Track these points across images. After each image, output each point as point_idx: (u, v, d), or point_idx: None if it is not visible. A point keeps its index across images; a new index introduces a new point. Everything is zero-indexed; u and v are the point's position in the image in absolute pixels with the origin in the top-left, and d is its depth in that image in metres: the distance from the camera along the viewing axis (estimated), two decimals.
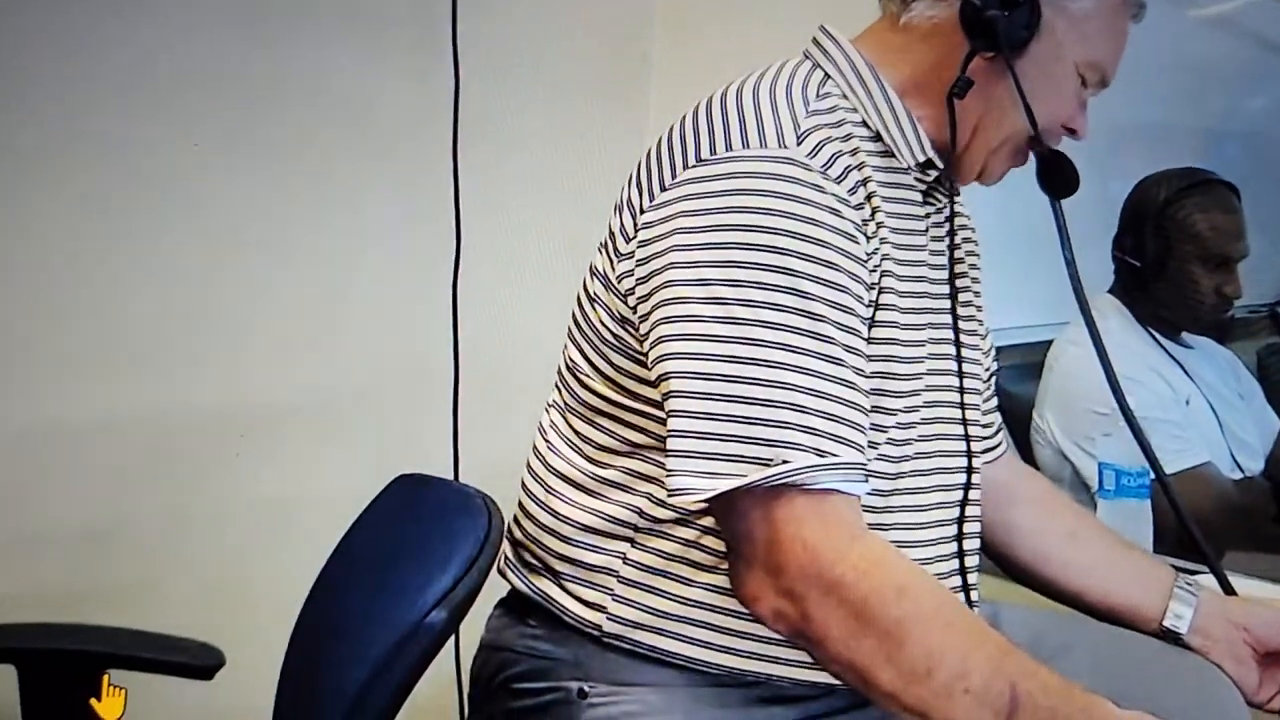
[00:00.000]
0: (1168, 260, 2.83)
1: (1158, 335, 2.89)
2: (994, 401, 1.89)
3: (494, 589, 1.67)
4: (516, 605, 1.66)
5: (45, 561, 2.31)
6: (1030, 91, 1.54)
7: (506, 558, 1.69)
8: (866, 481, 1.44)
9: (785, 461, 1.37)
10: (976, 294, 1.77)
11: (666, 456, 1.43)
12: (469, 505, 1.65)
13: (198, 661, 1.90)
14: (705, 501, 1.43)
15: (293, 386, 2.61)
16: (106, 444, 2.37)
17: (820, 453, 1.38)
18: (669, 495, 1.43)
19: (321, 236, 2.63)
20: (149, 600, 2.36)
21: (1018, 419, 2.82)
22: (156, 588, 2.41)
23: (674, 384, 1.43)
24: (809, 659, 1.48)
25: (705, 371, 1.41)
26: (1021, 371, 2.92)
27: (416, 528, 1.67)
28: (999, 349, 1.91)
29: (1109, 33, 1.61)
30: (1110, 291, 2.93)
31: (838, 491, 1.40)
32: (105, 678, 1.66)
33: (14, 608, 2.05)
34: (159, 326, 2.42)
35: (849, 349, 1.43)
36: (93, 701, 1.60)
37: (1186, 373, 2.87)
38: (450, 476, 2.64)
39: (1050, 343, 2.91)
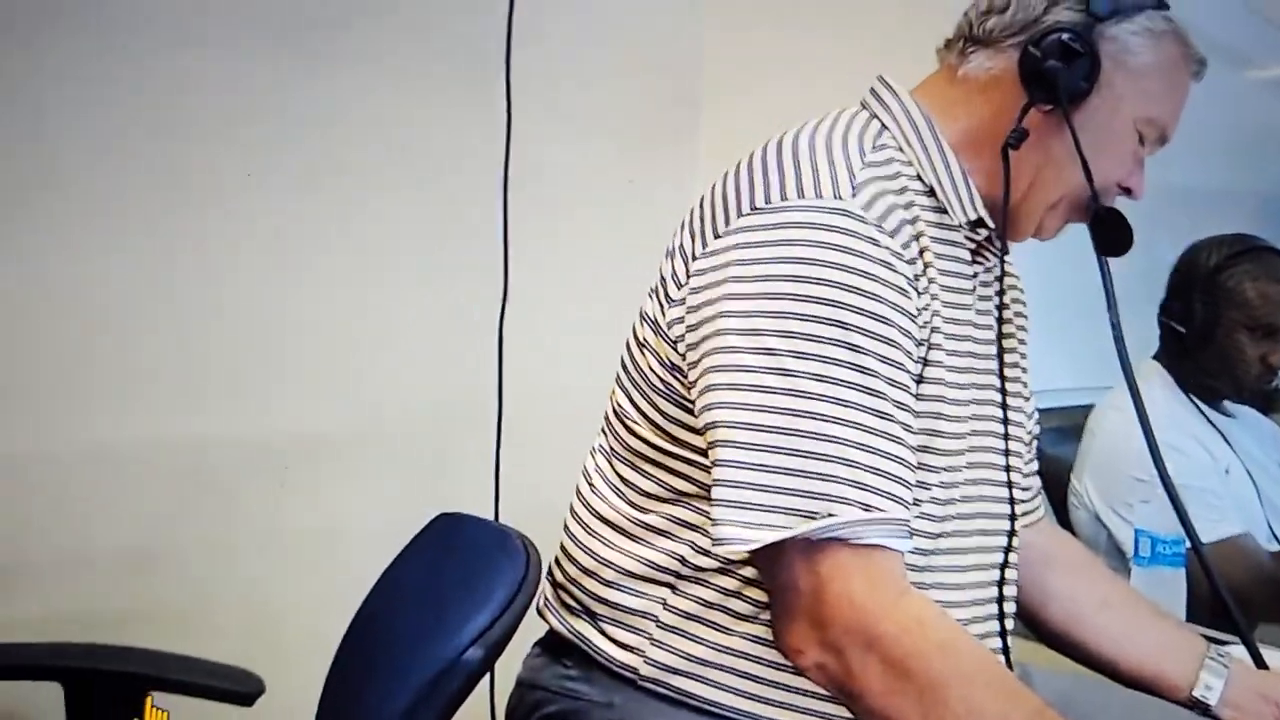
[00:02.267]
0: (1214, 327, 2.81)
1: (1200, 403, 2.87)
2: (1034, 465, 1.89)
3: (531, 628, 1.67)
4: (554, 645, 1.67)
5: (93, 583, 2.33)
6: (1087, 146, 1.55)
7: (545, 599, 1.70)
8: (911, 538, 1.45)
9: (831, 515, 1.38)
10: (1023, 355, 1.77)
11: (712, 505, 1.43)
12: (508, 545, 1.66)
13: (239, 688, 1.92)
14: (749, 553, 1.43)
15: (337, 421, 2.63)
16: (155, 470, 2.40)
17: (867, 507, 1.39)
18: (713, 545, 1.43)
19: (370, 271, 2.66)
20: (192, 625, 2.37)
21: (1055, 481, 2.80)
22: (200, 613, 2.43)
23: (722, 433, 1.43)
24: (842, 713, 1.48)
25: (754, 422, 1.41)
26: (1061, 434, 2.90)
27: (456, 566, 1.69)
28: (1040, 410, 1.90)
29: (1169, 89, 1.62)
30: (1154, 357, 2.92)
31: (883, 547, 1.41)
32: (149, 700, 1.69)
33: (62, 627, 2.08)
34: (208, 356, 2.45)
35: (898, 404, 1.44)
36: None
37: (1227, 441, 2.84)
38: (490, 516, 2.65)
39: (1090, 406, 2.90)
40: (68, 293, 2.28)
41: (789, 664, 1.48)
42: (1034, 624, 1.86)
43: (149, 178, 2.34)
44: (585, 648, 1.60)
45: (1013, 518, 1.66)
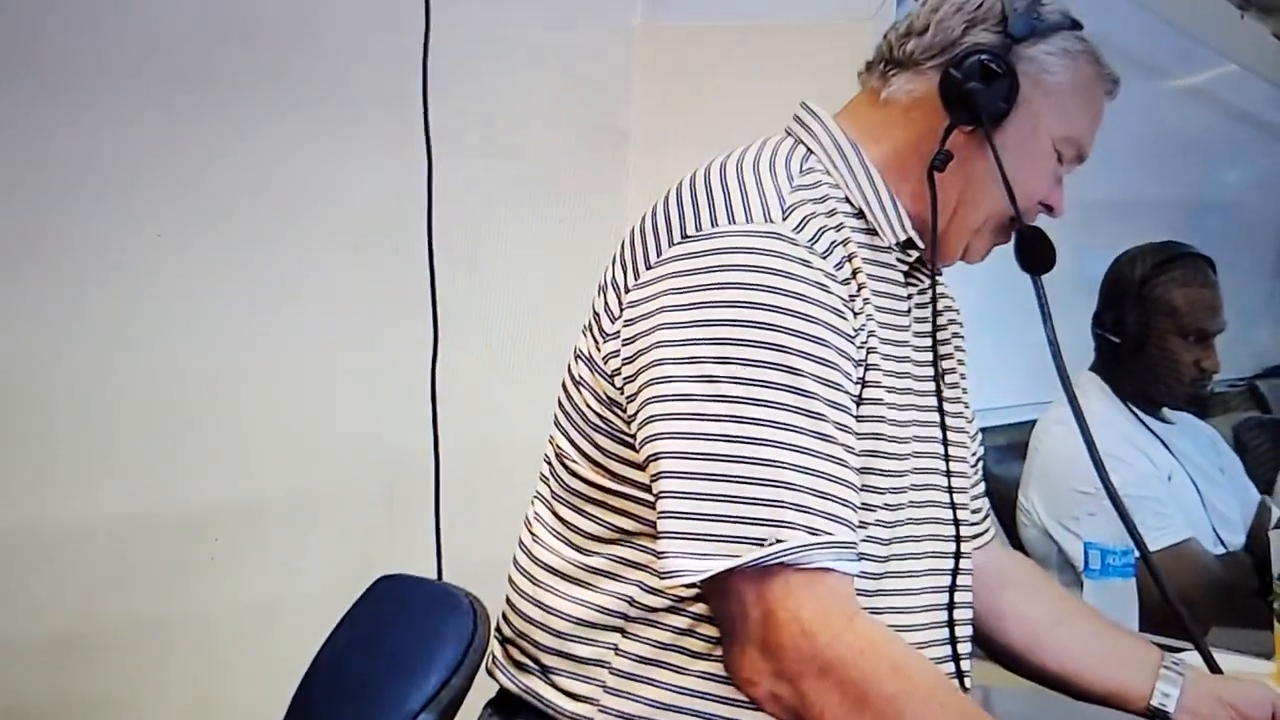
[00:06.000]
0: (1147, 335, 2.86)
1: (1139, 411, 2.91)
2: (981, 487, 1.89)
3: (484, 686, 1.64)
4: (505, 704, 1.64)
5: (9, 675, 2.21)
6: (1009, 166, 1.57)
7: (494, 657, 1.67)
8: (859, 561, 1.44)
9: (779, 540, 1.37)
10: (963, 375, 1.77)
11: (658, 538, 1.42)
12: (453, 605, 1.63)
13: None
14: (698, 584, 1.42)
15: (269, 486, 2.54)
16: (75, 549, 2.27)
17: (814, 531, 1.38)
18: (661, 577, 1.42)
19: (294, 328, 2.58)
20: (122, 715, 2.29)
21: (1003, 500, 2.83)
22: (129, 701, 2.32)
23: (664, 464, 1.42)
24: None
25: (696, 451, 1.40)
26: (1006, 452, 2.93)
27: (400, 630, 1.65)
28: (983, 429, 1.90)
29: (1085, 107, 1.64)
30: (1091, 368, 2.95)
31: (832, 570, 1.39)
32: None
33: None
34: (128, 426, 2.34)
35: (839, 426, 1.43)
36: None
37: (1168, 448, 2.89)
38: (434, 575, 2.60)
39: (1033, 422, 2.92)
40: None
41: (747, 699, 1.47)
42: (992, 647, 1.86)
43: (54, 238, 2.23)
44: (538, 703, 1.58)
45: (958, 539, 1.66)
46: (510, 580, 1.67)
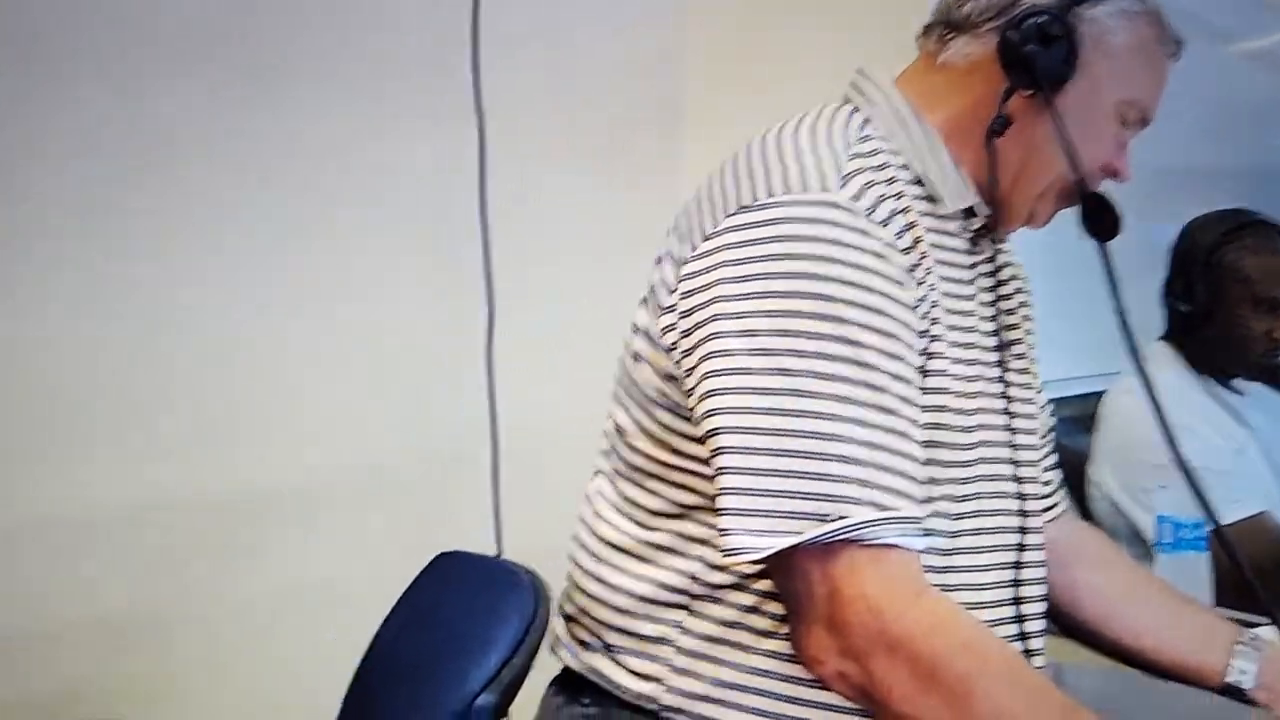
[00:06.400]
0: (1218, 304, 2.82)
1: (1210, 382, 2.87)
2: (1053, 458, 1.86)
3: (544, 665, 1.63)
4: (569, 683, 1.63)
5: (61, 659, 2.23)
6: (1070, 131, 1.53)
7: (557, 636, 1.66)
8: (925, 537, 1.41)
9: (843, 517, 1.34)
10: (1031, 345, 1.74)
11: (719, 515, 1.40)
12: (514, 582, 1.63)
13: None
14: (761, 561, 1.40)
15: (325, 466, 2.56)
16: (133, 534, 2.30)
17: (879, 506, 1.36)
18: (723, 555, 1.40)
19: (348, 307, 2.59)
20: (176, 699, 2.30)
21: (1073, 473, 2.79)
22: (185, 684, 2.34)
23: (723, 439, 1.40)
24: None
25: (756, 426, 1.38)
26: (1076, 425, 2.90)
27: (460, 608, 1.64)
28: (1051, 401, 1.87)
29: (1147, 69, 1.60)
30: (1161, 338, 2.91)
31: (897, 546, 1.37)
32: None
33: (26, 710, 1.99)
34: (184, 407, 2.36)
35: (903, 399, 1.41)
36: None
37: (1240, 420, 2.85)
38: (493, 553, 2.60)
39: (1102, 394, 2.89)
40: (28, 351, 2.21)
41: (814, 678, 1.45)
42: (1066, 622, 1.83)
43: (107, 222, 2.27)
44: (603, 683, 1.56)
45: (1023, 514, 1.63)
46: (572, 557, 1.65)
